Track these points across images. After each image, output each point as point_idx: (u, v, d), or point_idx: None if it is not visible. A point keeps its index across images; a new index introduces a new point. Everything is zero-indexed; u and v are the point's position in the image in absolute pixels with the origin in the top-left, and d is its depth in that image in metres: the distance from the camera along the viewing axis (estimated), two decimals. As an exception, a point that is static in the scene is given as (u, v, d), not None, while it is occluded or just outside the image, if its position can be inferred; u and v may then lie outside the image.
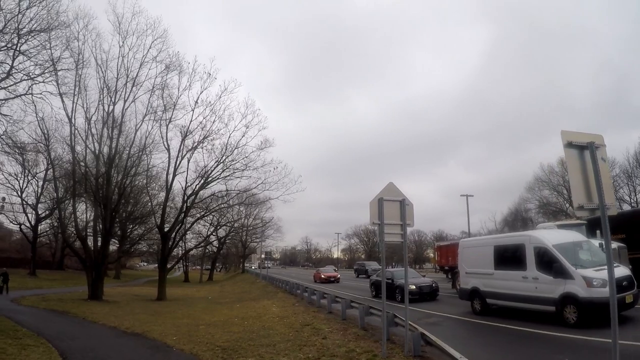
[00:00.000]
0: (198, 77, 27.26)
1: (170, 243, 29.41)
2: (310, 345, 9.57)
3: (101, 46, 23.78)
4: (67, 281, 36.39)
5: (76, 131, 23.29)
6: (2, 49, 17.75)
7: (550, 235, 11.89)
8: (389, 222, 8.06)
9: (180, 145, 26.86)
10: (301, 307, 17.22)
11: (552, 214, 49.18)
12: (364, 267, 43.55)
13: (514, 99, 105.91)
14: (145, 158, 27.27)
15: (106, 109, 23.94)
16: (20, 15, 17.49)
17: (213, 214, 36.38)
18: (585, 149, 5.22)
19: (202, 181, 27.75)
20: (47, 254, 52.04)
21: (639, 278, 11.00)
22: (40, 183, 43.33)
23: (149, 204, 30.74)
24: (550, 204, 52.36)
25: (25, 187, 43.55)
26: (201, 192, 29.06)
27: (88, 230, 25.25)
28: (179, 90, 26.09)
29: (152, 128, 26.25)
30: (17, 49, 18.02)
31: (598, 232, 15.29)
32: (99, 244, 24.55)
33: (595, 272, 10.00)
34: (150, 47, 24.34)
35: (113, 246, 36.42)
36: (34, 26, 18.21)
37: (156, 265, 38.24)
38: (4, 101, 18.39)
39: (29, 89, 19.18)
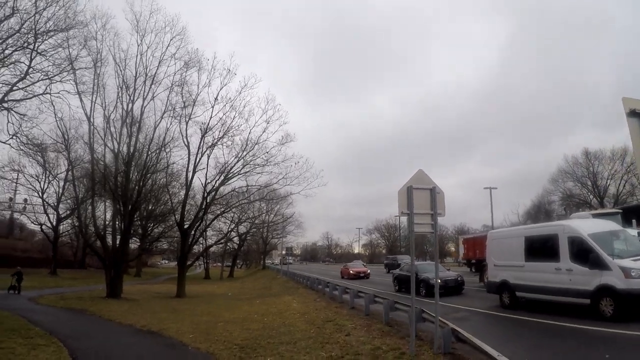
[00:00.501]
0: (218, 74, 26.75)
1: (190, 240, 29.46)
2: (333, 342, 9.15)
3: (119, 45, 23.76)
4: (88, 280, 36.76)
5: (95, 130, 23.46)
6: (19, 49, 17.88)
7: (585, 225, 11.34)
8: (418, 211, 7.59)
9: (200, 142, 26.79)
10: (323, 303, 16.89)
11: (575, 206, 48.00)
12: (396, 262, 38.54)
13: (535, 92, 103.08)
14: (165, 155, 27.33)
15: (125, 107, 23.99)
16: (37, 16, 17.59)
17: (233, 210, 36.32)
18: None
19: (222, 177, 27.64)
20: (68, 254, 52.76)
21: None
22: (61, 184, 44.12)
23: (169, 202, 30.84)
24: (574, 195, 51.32)
25: (46, 187, 44.44)
26: (221, 188, 29.00)
27: (107, 229, 25.43)
28: (198, 87, 25.96)
29: (171, 125, 26.24)
30: (35, 48, 18.14)
31: (634, 220, 14.62)
32: (118, 242, 24.70)
33: (633, 262, 9.59)
34: (168, 45, 24.25)
35: (134, 244, 36.86)
36: (51, 26, 18.31)
37: (177, 262, 38.47)
38: (21, 101, 18.57)
39: (46, 89, 19.35)
